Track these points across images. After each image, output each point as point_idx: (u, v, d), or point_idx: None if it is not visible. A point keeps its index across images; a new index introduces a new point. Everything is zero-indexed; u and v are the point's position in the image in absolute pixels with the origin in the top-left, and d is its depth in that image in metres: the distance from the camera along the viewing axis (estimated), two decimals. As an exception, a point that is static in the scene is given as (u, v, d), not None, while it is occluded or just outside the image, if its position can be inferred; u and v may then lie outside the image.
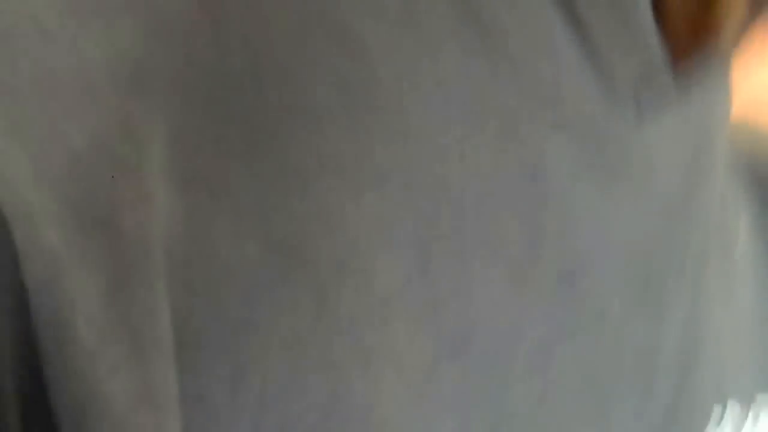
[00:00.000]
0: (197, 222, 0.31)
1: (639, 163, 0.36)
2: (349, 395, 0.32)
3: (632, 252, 0.36)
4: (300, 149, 0.32)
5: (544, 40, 0.34)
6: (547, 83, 0.34)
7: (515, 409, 0.35)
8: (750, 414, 0.44)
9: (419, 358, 0.33)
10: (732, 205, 0.45)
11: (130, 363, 0.29)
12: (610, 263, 0.36)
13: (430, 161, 0.34)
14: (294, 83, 0.32)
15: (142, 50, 0.30)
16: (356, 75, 0.33)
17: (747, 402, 0.44)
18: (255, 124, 0.31)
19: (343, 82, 0.32)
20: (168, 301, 0.30)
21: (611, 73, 0.35)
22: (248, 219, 0.31)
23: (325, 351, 0.32)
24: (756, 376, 0.45)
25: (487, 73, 0.34)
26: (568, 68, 0.34)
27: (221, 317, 0.31)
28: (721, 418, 0.42)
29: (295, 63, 0.32)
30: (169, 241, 0.30)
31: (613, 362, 0.36)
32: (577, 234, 0.35)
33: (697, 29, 0.37)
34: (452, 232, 0.34)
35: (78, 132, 0.29)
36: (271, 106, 0.31)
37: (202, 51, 0.31)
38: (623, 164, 0.36)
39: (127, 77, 0.30)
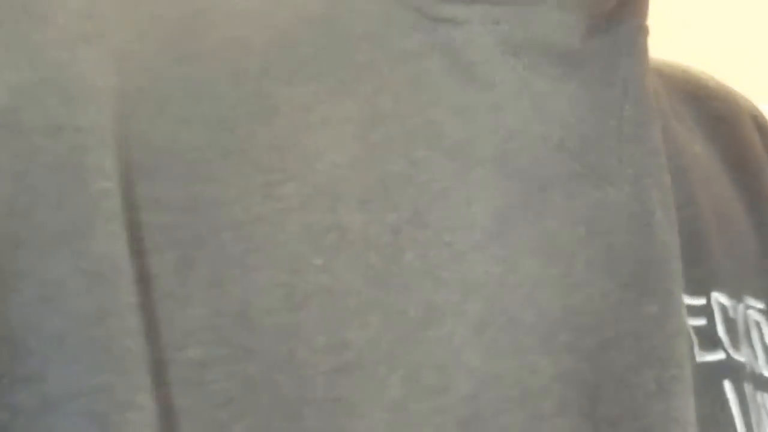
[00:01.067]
0: (126, 107, 0.31)
1: (562, 30, 0.37)
2: (308, 273, 0.31)
3: (565, 128, 0.37)
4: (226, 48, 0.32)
5: None
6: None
7: (479, 278, 0.34)
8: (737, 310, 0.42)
9: (374, 234, 0.32)
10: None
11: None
12: (541, 139, 0.36)
13: (350, 57, 0.34)
14: None
15: None
16: None
17: (735, 299, 0.43)
18: None
19: None
20: (118, 181, 0.30)
21: None
22: (179, 106, 0.31)
23: (276, 233, 0.31)
24: (744, 279, 0.44)
25: None
26: None
27: (166, 195, 0.30)
28: (706, 308, 0.41)
29: None
30: (116, 122, 0.30)
31: (568, 225, 0.36)
32: (509, 111, 0.36)
33: None
34: (391, 115, 0.34)
35: None
36: None
37: None
38: (549, 33, 0.37)
39: None
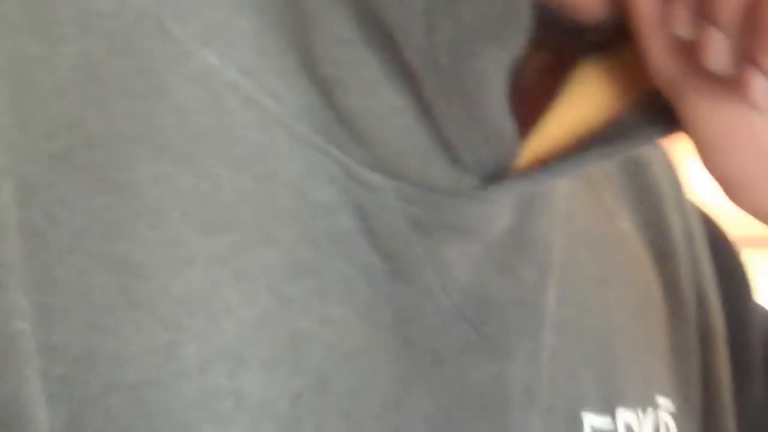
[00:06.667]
0: (36, 242, 0.30)
1: (477, 217, 0.37)
2: None
3: (467, 296, 0.37)
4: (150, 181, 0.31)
5: (394, 121, 0.34)
6: (394, 154, 0.35)
7: None
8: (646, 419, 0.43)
9: (273, 400, 0.32)
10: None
11: None
12: (441, 309, 0.36)
13: (274, 203, 0.34)
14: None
15: None
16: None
17: (642, 406, 0.44)
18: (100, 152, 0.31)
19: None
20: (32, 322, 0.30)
21: (457, 153, 0.35)
22: (92, 242, 0.31)
23: (170, 399, 0.31)
24: (654, 377, 0.45)
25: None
26: (414, 144, 0.35)
27: (65, 344, 0.30)
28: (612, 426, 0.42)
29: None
30: (15, 259, 0.30)
31: (460, 396, 0.36)
32: (411, 281, 0.35)
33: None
34: (310, 268, 0.33)
35: None
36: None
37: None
38: (463, 220, 0.36)
39: None
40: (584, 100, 0.37)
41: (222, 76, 0.33)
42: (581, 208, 0.44)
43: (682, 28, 0.32)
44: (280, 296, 0.32)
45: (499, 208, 0.37)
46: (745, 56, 0.31)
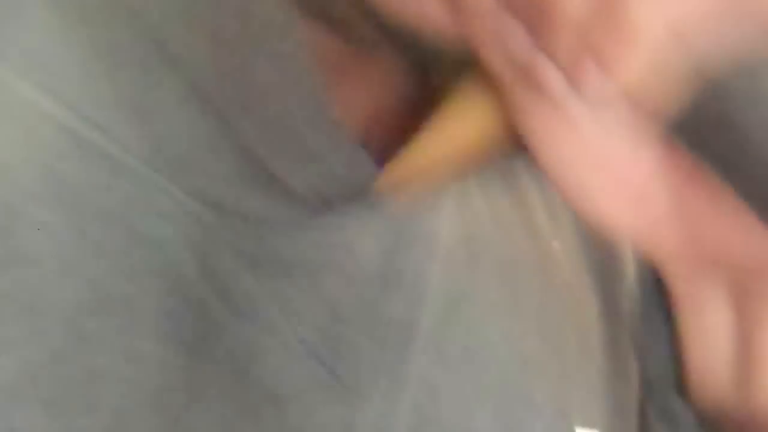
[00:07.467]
0: None
1: (322, 250, 0.35)
2: None
3: (320, 333, 0.35)
4: None
5: (205, 147, 0.33)
6: (214, 184, 0.33)
7: None
8: None
9: None
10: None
11: None
12: (288, 347, 0.34)
13: (82, 236, 0.32)
14: None
15: None
16: None
17: None
18: None
19: None
20: None
21: (283, 182, 0.33)
22: None
23: None
24: (576, 410, 0.42)
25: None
26: (231, 173, 0.33)
27: None
28: None
29: None
30: None
31: None
32: (253, 318, 0.34)
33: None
34: (118, 304, 0.32)
35: None
36: None
37: None
38: (302, 253, 0.34)
39: None
40: (459, 121, 0.35)
41: (37, 108, 0.32)
42: (494, 229, 0.42)
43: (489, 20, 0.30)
44: (77, 332, 0.31)
45: (351, 239, 0.35)
46: (536, 44, 0.29)
